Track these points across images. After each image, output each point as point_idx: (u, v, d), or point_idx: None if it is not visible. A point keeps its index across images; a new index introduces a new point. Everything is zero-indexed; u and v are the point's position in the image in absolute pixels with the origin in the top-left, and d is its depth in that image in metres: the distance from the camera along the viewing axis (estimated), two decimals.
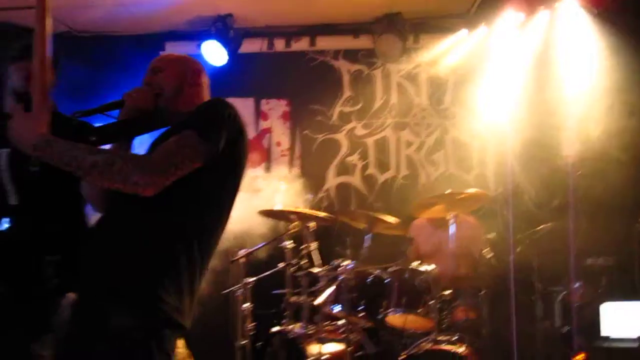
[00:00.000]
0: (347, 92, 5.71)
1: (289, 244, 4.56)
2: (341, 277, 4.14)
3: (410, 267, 4.21)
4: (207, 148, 2.08)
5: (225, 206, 2.26)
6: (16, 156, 2.20)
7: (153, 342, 2.03)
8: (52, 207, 2.31)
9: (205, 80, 2.45)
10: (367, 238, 4.16)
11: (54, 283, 2.24)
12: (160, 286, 2.05)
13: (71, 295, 2.26)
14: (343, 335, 4.10)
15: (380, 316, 4.18)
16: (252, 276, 4.58)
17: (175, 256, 2.10)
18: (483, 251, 4.50)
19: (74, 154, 2.02)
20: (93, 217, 2.37)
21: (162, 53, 5.31)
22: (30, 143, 2.04)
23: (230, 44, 5.32)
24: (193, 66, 2.44)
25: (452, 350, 3.85)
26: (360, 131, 5.68)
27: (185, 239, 2.12)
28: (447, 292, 4.10)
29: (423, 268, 4.16)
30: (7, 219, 2.24)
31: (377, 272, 4.27)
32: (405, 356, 3.93)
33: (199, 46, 5.34)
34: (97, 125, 2.32)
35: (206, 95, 2.44)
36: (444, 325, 4.06)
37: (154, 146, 2.23)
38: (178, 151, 2.05)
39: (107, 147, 2.28)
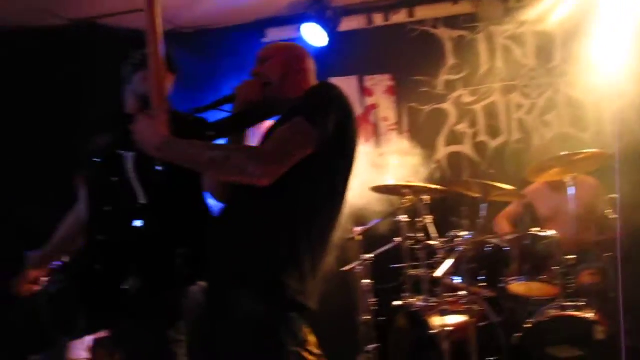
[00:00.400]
0: (450, 60, 5.60)
1: (404, 218, 4.57)
2: (459, 248, 4.12)
3: (530, 233, 4.12)
4: (318, 133, 2.12)
5: (340, 188, 2.30)
6: (141, 158, 2.32)
7: (281, 326, 2.12)
8: (178, 203, 2.43)
9: (311, 65, 2.49)
10: (483, 207, 4.09)
11: (185, 274, 2.36)
12: (282, 271, 2.13)
13: (201, 284, 2.38)
14: (465, 307, 4.09)
15: (501, 285, 4.13)
16: (370, 252, 4.63)
17: (295, 240, 2.16)
18: (606, 212, 4.32)
19: (192, 151, 2.13)
20: (216, 208, 2.49)
21: (266, 42, 5.42)
22: (153, 146, 2.17)
23: (329, 23, 5.33)
24: (297, 52, 2.49)
25: (581, 316, 3.76)
26: (467, 98, 5.56)
27: (303, 222, 2.18)
28: (571, 256, 3.98)
29: (544, 233, 4.06)
30: (140, 218, 2.37)
31: (495, 240, 4.22)
32: (531, 324, 3.87)
33: (299, 29, 5.40)
34: (212, 121, 2.42)
35: (313, 80, 2.48)
36: (569, 291, 3.95)
37: (267, 136, 2.30)
38: (290, 139, 2.10)
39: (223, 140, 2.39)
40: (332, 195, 2.27)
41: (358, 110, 5.67)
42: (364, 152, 5.11)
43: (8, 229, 4.76)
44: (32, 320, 2.53)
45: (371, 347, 4.51)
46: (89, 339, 3.74)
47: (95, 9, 5.22)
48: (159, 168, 2.31)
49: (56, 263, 2.84)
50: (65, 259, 3.48)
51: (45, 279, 2.81)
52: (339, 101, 2.21)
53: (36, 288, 2.84)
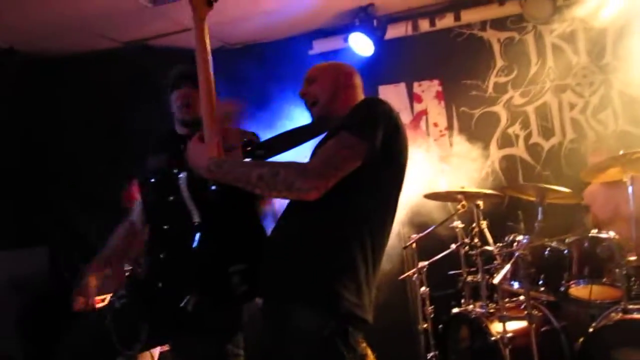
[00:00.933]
0: (499, 62, 5.54)
1: (459, 224, 4.54)
2: (517, 253, 4.05)
3: (589, 235, 4.04)
4: (365, 146, 2.14)
5: (391, 198, 2.32)
6: (194, 178, 2.38)
7: (338, 339, 2.13)
8: (232, 221, 2.47)
9: (358, 81, 2.51)
10: (540, 210, 4.03)
11: (242, 290, 2.40)
12: (339, 284, 2.15)
13: (259, 300, 2.42)
14: (525, 312, 4.02)
15: (562, 289, 4.06)
16: (426, 259, 4.62)
17: (350, 253, 2.18)
18: None
19: (241, 170, 2.18)
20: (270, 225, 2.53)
21: (314, 58, 5.49)
22: (203, 168, 2.23)
23: (375, 32, 5.34)
24: (345, 70, 2.52)
25: None
26: (518, 100, 5.49)
27: (357, 235, 2.20)
28: (633, 258, 3.88)
29: (604, 235, 3.97)
30: (197, 236, 2.43)
31: (554, 244, 4.15)
32: (594, 328, 3.79)
33: (345, 39, 5.43)
34: (263, 140, 2.46)
35: (360, 96, 2.50)
36: (633, 293, 3.85)
37: (314, 152, 2.33)
38: (336, 153, 2.13)
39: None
40: (383, 206, 2.29)
41: (408, 117, 5.67)
42: (416, 159, 5.16)
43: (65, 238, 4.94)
44: (96, 333, 2.62)
45: (430, 355, 4.49)
46: (155, 352, 3.82)
47: (147, 31, 5.36)
48: (213, 187, 2.37)
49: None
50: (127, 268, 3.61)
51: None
52: (386, 115, 2.23)
53: (92, 301, 2.92)
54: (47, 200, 5.22)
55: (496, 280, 3.84)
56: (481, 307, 4.24)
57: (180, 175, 2.44)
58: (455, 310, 4.39)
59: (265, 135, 2.54)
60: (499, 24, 5.54)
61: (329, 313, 2.13)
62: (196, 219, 2.44)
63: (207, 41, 2.38)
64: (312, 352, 2.13)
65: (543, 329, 4.03)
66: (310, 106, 2.48)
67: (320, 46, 5.78)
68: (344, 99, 2.44)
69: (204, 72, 2.35)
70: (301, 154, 2.44)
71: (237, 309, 2.57)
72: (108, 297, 4.33)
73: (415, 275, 4.58)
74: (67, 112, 5.31)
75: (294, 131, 2.44)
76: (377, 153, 2.16)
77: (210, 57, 2.38)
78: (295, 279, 2.20)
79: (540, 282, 4.13)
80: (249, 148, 2.39)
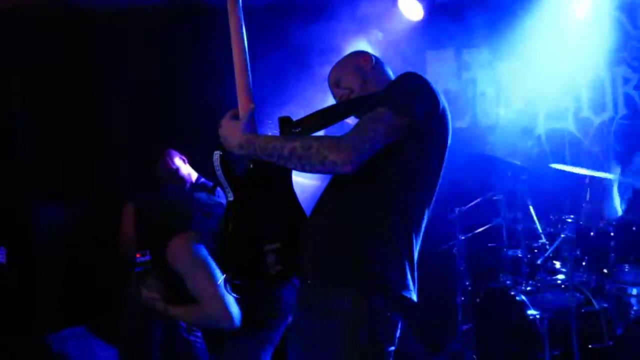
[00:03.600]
0: None
1: (502, 197, 4.48)
2: (563, 232, 4.00)
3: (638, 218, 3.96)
4: (402, 120, 2.09)
5: (432, 174, 2.26)
6: (227, 156, 2.38)
7: (381, 326, 2.12)
8: (266, 199, 2.46)
9: (377, 59, 2.47)
10: (588, 191, 3.95)
11: (277, 270, 2.39)
12: (382, 263, 2.12)
13: (295, 281, 2.41)
14: (567, 292, 3.98)
15: (606, 271, 4.00)
16: (468, 232, 4.58)
17: (393, 232, 2.15)
18: None
19: (273, 145, 2.14)
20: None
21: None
22: (235, 144, 2.22)
23: None
24: (359, 54, 2.49)
25: None
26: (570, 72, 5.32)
27: (399, 212, 2.16)
28: None
29: None
30: (228, 215, 2.43)
31: (600, 225, 4.08)
32: (635, 313, 3.75)
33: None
34: (299, 118, 2.43)
35: (388, 71, 2.46)
36: None
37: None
38: (370, 127, 2.07)
39: None
40: (424, 182, 2.24)
41: (456, 85, 5.55)
42: (461, 128, 5.07)
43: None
44: None
45: (466, 327, 4.49)
46: None
47: None
48: (249, 165, 2.36)
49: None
50: None
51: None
52: (425, 88, 2.17)
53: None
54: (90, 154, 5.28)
55: (540, 260, 3.79)
56: (521, 283, 4.20)
57: (215, 154, 2.42)
58: (494, 284, 4.36)
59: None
60: None
61: (372, 294, 2.11)
62: (230, 197, 2.43)
63: (241, 16, 2.38)
64: (349, 334, 2.10)
65: (583, 310, 3.99)
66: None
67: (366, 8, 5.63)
68: (374, 79, 2.41)
69: (238, 49, 2.34)
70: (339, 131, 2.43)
71: (273, 291, 2.57)
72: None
73: (456, 247, 4.55)
74: (113, 67, 5.30)
75: (331, 108, 2.41)
76: (418, 127, 2.12)
77: (244, 34, 2.36)
78: (335, 260, 2.17)
79: (584, 263, 4.07)
80: (286, 126, 2.37)
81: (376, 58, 2.47)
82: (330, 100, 2.51)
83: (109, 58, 5.25)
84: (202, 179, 4.35)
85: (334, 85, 2.48)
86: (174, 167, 4.29)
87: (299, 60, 5.10)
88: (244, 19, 2.44)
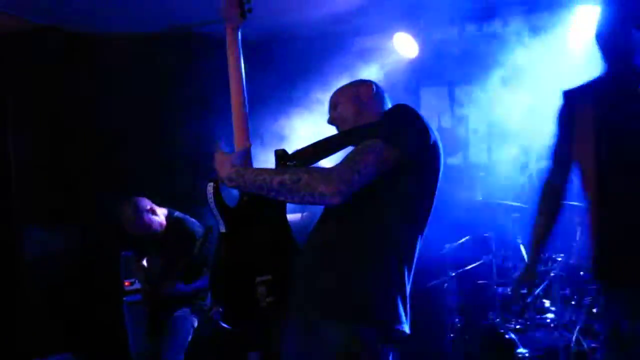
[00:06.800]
0: None
1: (492, 234, 4.49)
2: (552, 270, 4.01)
3: None
4: (393, 152, 2.10)
5: (423, 207, 2.28)
6: (220, 188, 2.40)
7: (373, 353, 2.11)
8: (258, 230, 2.46)
9: (380, 91, 2.50)
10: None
11: (268, 301, 2.39)
12: (374, 295, 2.13)
13: (285, 312, 2.40)
14: (556, 330, 3.98)
15: (595, 310, 4.00)
16: (458, 268, 4.57)
17: (385, 264, 2.16)
18: None
19: (262, 177, 2.16)
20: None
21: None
22: (225, 177, 2.25)
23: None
24: (361, 84, 2.52)
25: None
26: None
27: (391, 244, 2.18)
28: None
29: None
30: (220, 247, 2.43)
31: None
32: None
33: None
34: (294, 151, 2.45)
35: (387, 104, 2.48)
36: None
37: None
38: (360, 158, 2.09)
39: None
40: (416, 215, 2.26)
41: (449, 121, 5.59)
42: (453, 165, 5.08)
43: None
44: None
45: None
46: None
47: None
48: (245, 198, 2.37)
49: None
50: None
51: None
52: (416, 121, 2.20)
53: None
54: (82, 181, 5.26)
55: (529, 298, 3.79)
56: (510, 321, 4.19)
57: (208, 185, 2.43)
58: (484, 322, 4.34)
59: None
60: None
61: (364, 326, 2.11)
62: (222, 228, 2.43)
63: (239, 50, 2.42)
64: None
65: (573, 349, 3.97)
66: (341, 129, 2.49)
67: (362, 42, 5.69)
68: (369, 110, 2.43)
69: (235, 82, 2.37)
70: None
71: (263, 322, 2.56)
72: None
73: (445, 284, 4.55)
74: (105, 93, 5.32)
75: (324, 141, 2.43)
76: (407, 159, 2.13)
77: (242, 67, 2.38)
78: (326, 292, 2.17)
79: (573, 302, 4.06)
80: (281, 159, 2.38)
81: (377, 89, 2.49)
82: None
83: (102, 86, 5.26)
84: (176, 213, 4.25)
85: (332, 106, 2.52)
86: (147, 224, 4.10)
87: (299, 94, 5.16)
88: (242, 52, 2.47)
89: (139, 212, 4.06)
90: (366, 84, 2.51)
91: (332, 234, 2.25)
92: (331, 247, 2.23)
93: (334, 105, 2.51)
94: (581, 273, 4.08)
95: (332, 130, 2.51)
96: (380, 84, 2.51)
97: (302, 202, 2.12)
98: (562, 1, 5.17)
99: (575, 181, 2.50)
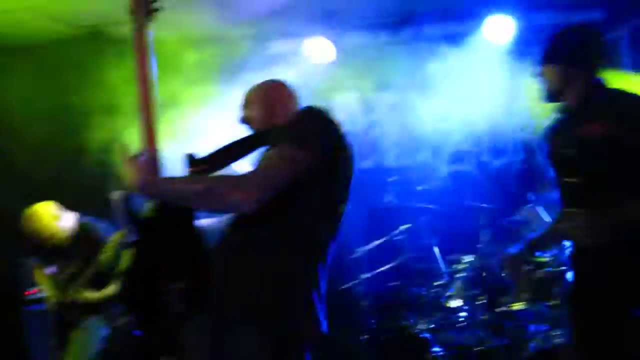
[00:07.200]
0: None
1: (404, 238, 4.56)
2: (461, 271, 4.10)
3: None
4: (306, 156, 2.09)
5: (335, 209, 2.28)
6: (129, 196, 2.33)
7: (289, 354, 2.11)
8: (169, 238, 2.41)
9: (292, 92, 2.51)
10: (482, 232, 4.07)
11: (179, 309, 2.34)
12: (289, 297, 2.13)
13: (198, 320, 2.36)
14: (467, 329, 4.07)
15: (504, 308, 4.11)
16: (371, 271, 4.61)
17: (298, 265, 2.16)
18: None
19: (175, 187, 2.14)
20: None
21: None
22: (137, 185, 2.16)
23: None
24: (274, 84, 2.53)
25: None
26: None
27: (304, 246, 2.18)
28: None
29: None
30: (131, 255, 2.37)
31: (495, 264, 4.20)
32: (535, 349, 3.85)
33: None
34: (205, 155, 2.41)
35: (298, 105, 2.49)
36: None
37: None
38: (272, 165, 2.09)
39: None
40: (328, 219, 2.26)
41: (361, 126, 5.64)
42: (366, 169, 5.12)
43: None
44: None
45: None
46: None
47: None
48: (154, 205, 2.32)
49: None
50: None
51: None
52: (327, 124, 2.21)
53: None
54: None
55: (442, 298, 3.87)
56: (424, 322, 4.26)
57: (116, 194, 2.35)
58: (397, 323, 4.39)
59: None
60: None
61: (279, 330, 2.11)
62: (133, 237, 2.37)
63: (148, 51, 2.32)
64: None
65: (482, 347, 4.06)
66: (252, 128, 2.48)
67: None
68: (280, 111, 2.43)
69: (143, 84, 2.29)
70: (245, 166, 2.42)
71: (174, 330, 2.50)
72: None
73: (359, 286, 4.58)
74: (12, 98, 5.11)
75: (235, 144, 2.41)
76: (319, 162, 2.12)
77: (151, 69, 2.31)
78: (239, 297, 2.16)
79: (483, 300, 4.16)
80: (192, 163, 2.34)
81: (290, 91, 2.49)
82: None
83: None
84: (85, 218, 4.13)
85: (244, 104, 2.50)
86: (54, 230, 3.98)
87: None
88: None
89: (47, 218, 3.91)
90: (279, 84, 2.50)
91: (243, 239, 2.22)
92: (242, 251, 2.20)
93: (245, 104, 2.49)
94: (489, 272, 4.18)
95: (244, 131, 2.48)
96: (294, 87, 2.51)
97: (216, 210, 2.12)
98: (474, 11, 5.33)
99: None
